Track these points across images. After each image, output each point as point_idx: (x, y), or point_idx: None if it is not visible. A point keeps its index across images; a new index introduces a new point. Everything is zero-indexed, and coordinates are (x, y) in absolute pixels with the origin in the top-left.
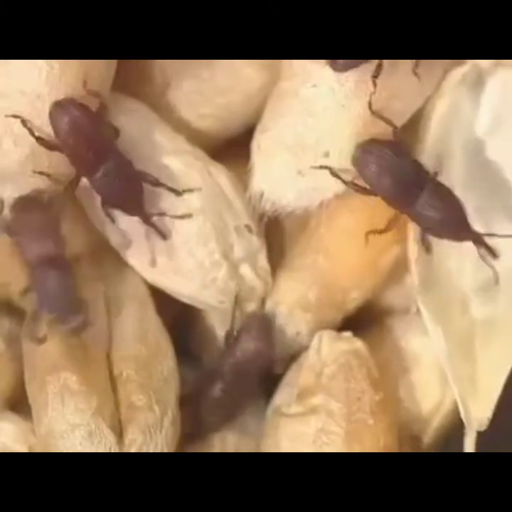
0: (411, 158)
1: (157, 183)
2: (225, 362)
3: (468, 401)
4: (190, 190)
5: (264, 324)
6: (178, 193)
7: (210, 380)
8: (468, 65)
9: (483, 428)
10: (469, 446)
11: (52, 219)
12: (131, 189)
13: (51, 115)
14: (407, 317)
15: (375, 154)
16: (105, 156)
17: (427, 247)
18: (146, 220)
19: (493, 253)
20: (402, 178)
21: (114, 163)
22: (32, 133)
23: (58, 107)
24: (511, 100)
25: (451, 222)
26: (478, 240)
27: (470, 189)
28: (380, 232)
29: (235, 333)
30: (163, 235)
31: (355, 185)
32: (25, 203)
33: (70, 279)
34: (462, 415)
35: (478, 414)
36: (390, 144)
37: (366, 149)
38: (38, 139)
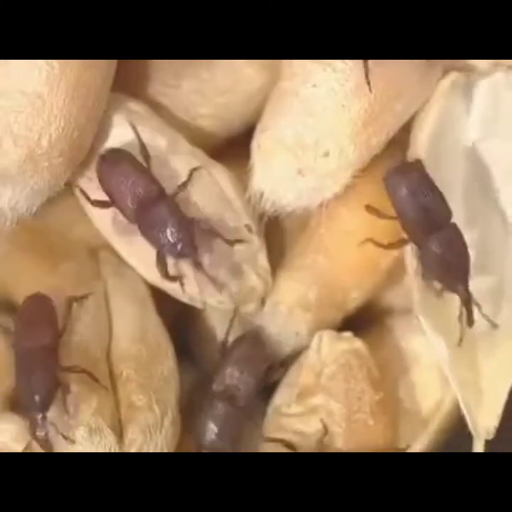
0: (441, 194)
1: (211, 232)
2: (217, 381)
3: (475, 410)
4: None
5: (252, 351)
6: (230, 242)
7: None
8: (457, 73)
9: (490, 437)
10: None
11: (51, 313)
12: (185, 233)
13: (100, 169)
14: (407, 317)
15: (411, 180)
16: (156, 203)
17: (426, 279)
18: (199, 266)
19: (470, 321)
20: (429, 210)
21: (164, 208)
22: (87, 197)
23: (106, 161)
24: (502, 103)
25: (453, 270)
26: (466, 300)
27: (463, 193)
28: (383, 247)
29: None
30: (219, 287)
31: (372, 208)
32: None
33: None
34: (469, 425)
35: (486, 422)
36: (426, 175)
37: (403, 172)
38: (94, 202)
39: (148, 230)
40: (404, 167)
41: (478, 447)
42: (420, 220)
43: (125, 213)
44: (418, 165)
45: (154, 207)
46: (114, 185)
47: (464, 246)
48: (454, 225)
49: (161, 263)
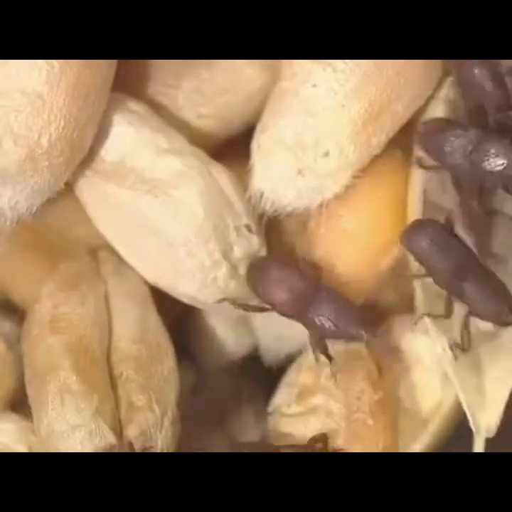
0: (461, 241)
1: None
2: None
3: (476, 409)
4: None
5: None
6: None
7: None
8: None
9: (491, 435)
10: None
11: None
12: (344, 314)
13: (250, 278)
14: (407, 317)
15: (428, 234)
16: (314, 295)
17: (465, 339)
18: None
19: None
20: (455, 259)
21: (324, 297)
22: (242, 305)
23: (254, 268)
24: None
25: (494, 307)
26: None
27: None
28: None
29: None
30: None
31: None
32: None
33: None
34: (470, 423)
35: (487, 421)
36: (443, 226)
37: (420, 228)
38: (245, 306)
39: (309, 320)
40: (419, 225)
41: (479, 445)
42: (450, 271)
43: (279, 310)
44: (430, 220)
45: (313, 299)
46: (266, 290)
47: (497, 280)
48: (481, 265)
49: (322, 346)
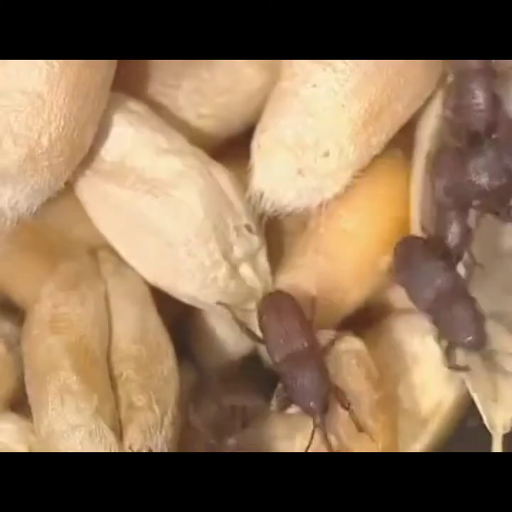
0: (445, 261)
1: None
2: None
3: (490, 406)
4: None
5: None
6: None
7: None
8: None
9: (508, 430)
10: (497, 448)
11: None
12: (313, 387)
13: (261, 311)
14: (407, 317)
15: (409, 257)
16: (303, 359)
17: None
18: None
19: None
20: (442, 287)
21: (309, 363)
22: (237, 320)
23: (268, 303)
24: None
25: (472, 336)
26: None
27: None
28: None
29: None
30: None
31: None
32: None
33: None
34: (485, 420)
35: (502, 417)
36: (428, 249)
37: (402, 249)
38: (250, 333)
39: (284, 374)
40: (399, 259)
41: (497, 441)
42: (428, 300)
43: (273, 359)
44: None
45: (301, 362)
46: (271, 327)
47: (473, 308)
48: (458, 291)
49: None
